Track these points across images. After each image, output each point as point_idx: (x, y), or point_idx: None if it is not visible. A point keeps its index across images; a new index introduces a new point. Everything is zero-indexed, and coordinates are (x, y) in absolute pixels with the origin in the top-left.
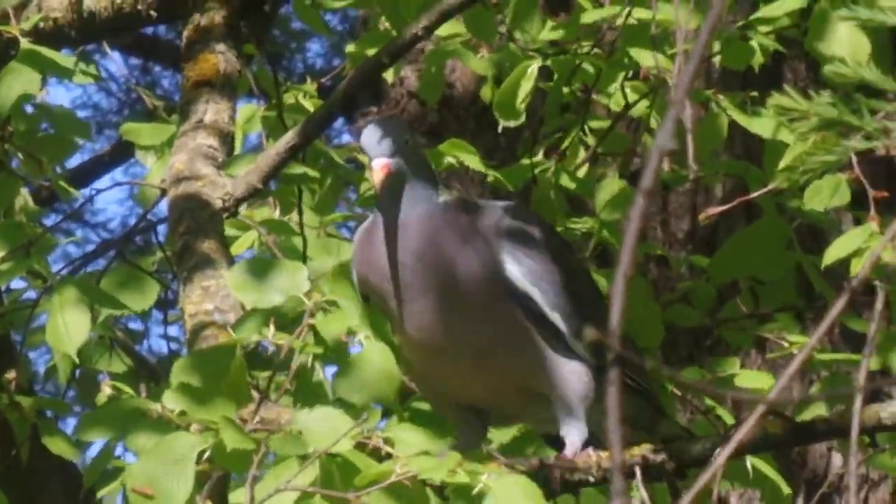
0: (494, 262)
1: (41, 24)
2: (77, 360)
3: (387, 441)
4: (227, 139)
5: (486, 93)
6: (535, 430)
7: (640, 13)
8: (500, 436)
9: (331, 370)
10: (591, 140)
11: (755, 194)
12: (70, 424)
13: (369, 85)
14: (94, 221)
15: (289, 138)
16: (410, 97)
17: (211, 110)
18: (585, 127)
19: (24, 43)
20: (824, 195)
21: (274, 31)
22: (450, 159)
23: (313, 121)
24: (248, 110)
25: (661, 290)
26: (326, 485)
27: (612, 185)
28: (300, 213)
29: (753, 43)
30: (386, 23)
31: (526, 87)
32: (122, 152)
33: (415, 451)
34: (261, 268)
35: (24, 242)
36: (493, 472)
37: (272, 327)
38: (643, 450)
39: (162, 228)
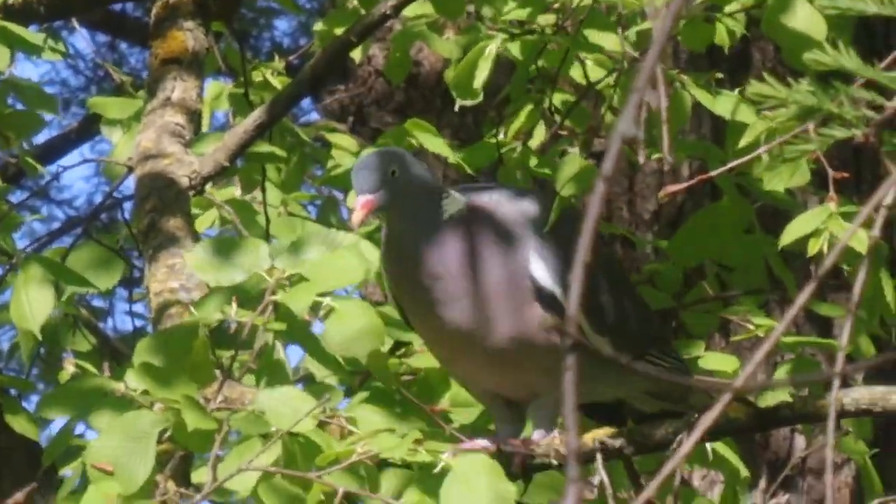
0: (520, 263)
1: (9, 1)
2: (40, 338)
3: (349, 420)
4: (194, 117)
5: (449, 74)
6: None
7: None
8: (463, 415)
9: (294, 352)
10: (554, 117)
11: (714, 173)
12: (34, 402)
13: (337, 64)
14: (60, 198)
15: (256, 116)
16: (378, 76)
17: (179, 88)
18: (550, 104)
19: None
20: (784, 175)
21: (241, 10)
22: (412, 140)
23: (281, 99)
24: (216, 88)
25: (627, 272)
26: (289, 464)
27: (573, 161)
28: (263, 192)
29: (718, 25)
30: (354, 1)
31: (484, 66)
32: (89, 129)
33: (377, 430)
34: (222, 246)
35: None
36: (455, 451)
37: (234, 305)
38: (603, 433)
39: (128, 206)
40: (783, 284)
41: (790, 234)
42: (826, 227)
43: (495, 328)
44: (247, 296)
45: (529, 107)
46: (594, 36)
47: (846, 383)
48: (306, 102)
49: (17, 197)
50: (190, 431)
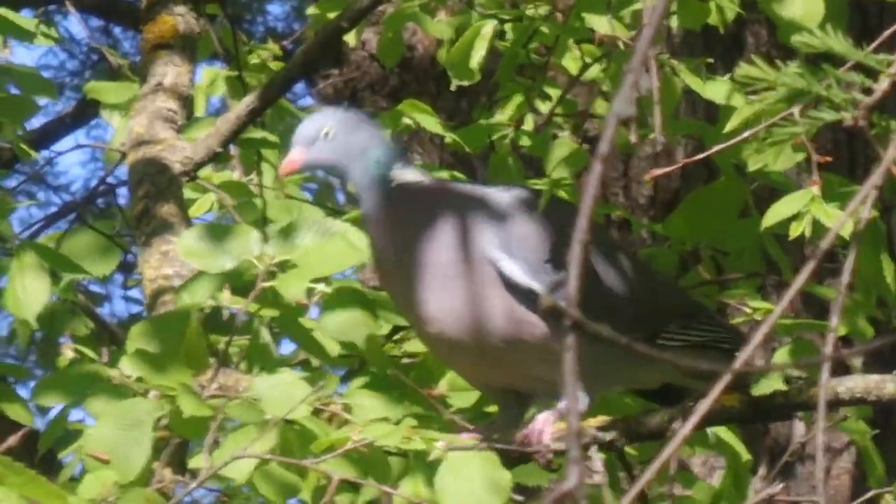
0: (486, 259)
1: None
2: (36, 326)
3: (345, 407)
4: (186, 102)
5: (442, 55)
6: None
7: None
8: (460, 400)
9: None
10: (544, 106)
11: (701, 155)
12: (31, 389)
13: (330, 48)
14: (55, 184)
15: (249, 101)
16: (372, 60)
17: (171, 73)
18: (541, 90)
19: None
20: (770, 158)
21: None
22: (407, 120)
23: (274, 84)
24: (211, 74)
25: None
26: (285, 451)
27: (563, 144)
28: (259, 176)
29: (711, 5)
30: None
31: (480, 46)
32: (84, 114)
33: (372, 418)
34: (212, 232)
35: None
36: (449, 439)
37: (227, 292)
38: (596, 422)
39: (123, 192)
40: (778, 267)
41: (772, 215)
42: (808, 210)
43: (459, 316)
44: (238, 282)
45: (518, 98)
46: (589, 19)
47: (845, 367)
48: (300, 87)
49: (12, 183)
50: (185, 419)
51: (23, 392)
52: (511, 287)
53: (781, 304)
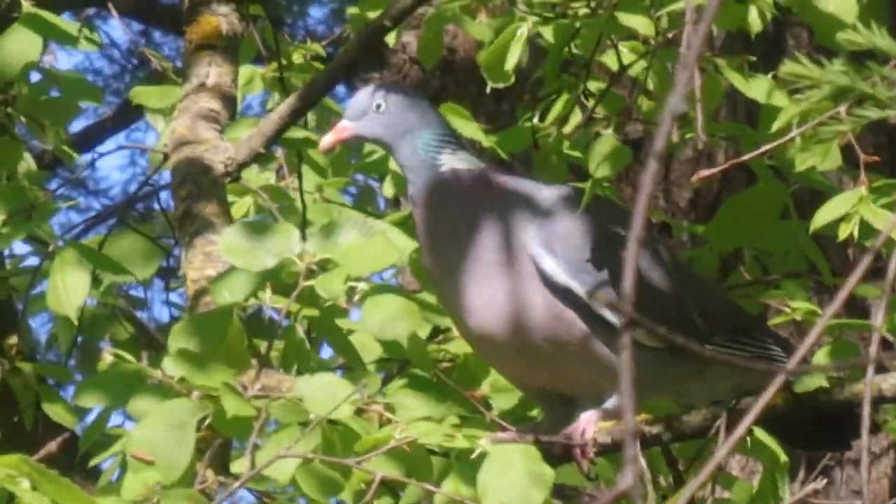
0: (527, 255)
1: None
2: (76, 322)
3: (387, 407)
4: (229, 102)
5: (480, 57)
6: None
7: None
8: (503, 401)
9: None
10: (588, 102)
11: (747, 156)
12: (72, 393)
13: (371, 49)
14: (95, 188)
15: (291, 102)
16: (412, 63)
17: (213, 73)
18: (585, 89)
19: (26, 6)
20: (816, 157)
21: None
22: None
23: (316, 84)
24: (248, 72)
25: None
26: (328, 451)
27: (605, 142)
28: (300, 178)
29: (750, 6)
30: None
31: (516, 49)
32: (125, 117)
33: (415, 417)
34: (253, 231)
35: (26, 206)
36: (493, 440)
37: (269, 291)
38: (641, 418)
39: (164, 195)
40: (818, 270)
41: (821, 217)
42: (857, 211)
43: (498, 309)
44: (278, 280)
45: (565, 96)
46: (626, 19)
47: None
48: (341, 91)
49: (53, 185)
50: (229, 418)
51: (63, 395)
52: (550, 285)
53: (834, 304)
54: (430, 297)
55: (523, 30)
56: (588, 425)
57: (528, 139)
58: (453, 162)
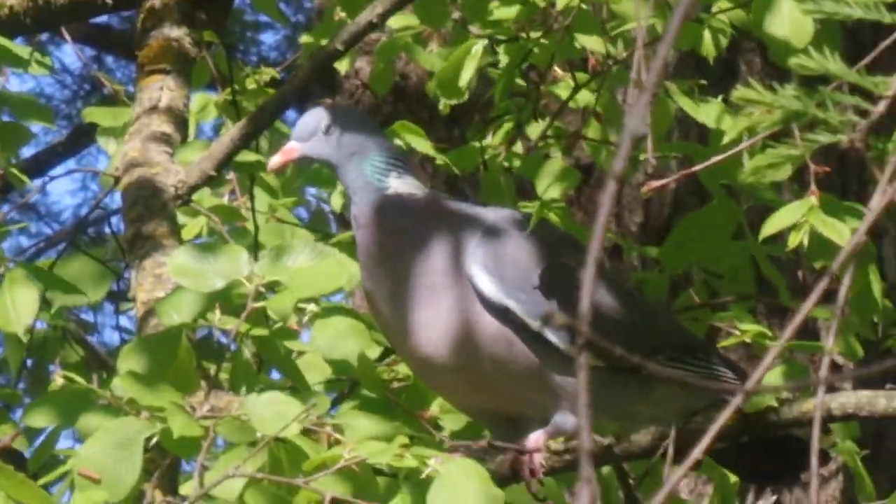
0: (466, 275)
1: None
2: (25, 340)
3: (336, 427)
4: (181, 125)
5: (431, 86)
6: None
7: None
8: (452, 423)
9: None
10: (535, 129)
11: (701, 165)
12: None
13: (323, 73)
14: (46, 213)
15: (242, 125)
16: (365, 88)
17: (165, 96)
18: (535, 111)
19: None
20: (762, 166)
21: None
22: (399, 142)
23: (267, 108)
24: (202, 99)
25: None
26: (275, 470)
27: (554, 164)
28: (251, 199)
29: (705, 31)
30: (341, 13)
31: (470, 65)
32: (76, 143)
33: (364, 437)
34: (202, 252)
35: None
36: (441, 457)
37: (218, 312)
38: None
39: (115, 220)
40: (770, 290)
41: (771, 226)
42: (806, 221)
43: (438, 329)
44: (227, 302)
45: (511, 121)
46: (581, 39)
47: (834, 389)
48: (293, 116)
49: (3, 210)
50: (177, 438)
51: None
52: (488, 304)
53: (791, 326)
54: None
55: (478, 47)
56: (536, 445)
57: (478, 158)
58: (399, 185)
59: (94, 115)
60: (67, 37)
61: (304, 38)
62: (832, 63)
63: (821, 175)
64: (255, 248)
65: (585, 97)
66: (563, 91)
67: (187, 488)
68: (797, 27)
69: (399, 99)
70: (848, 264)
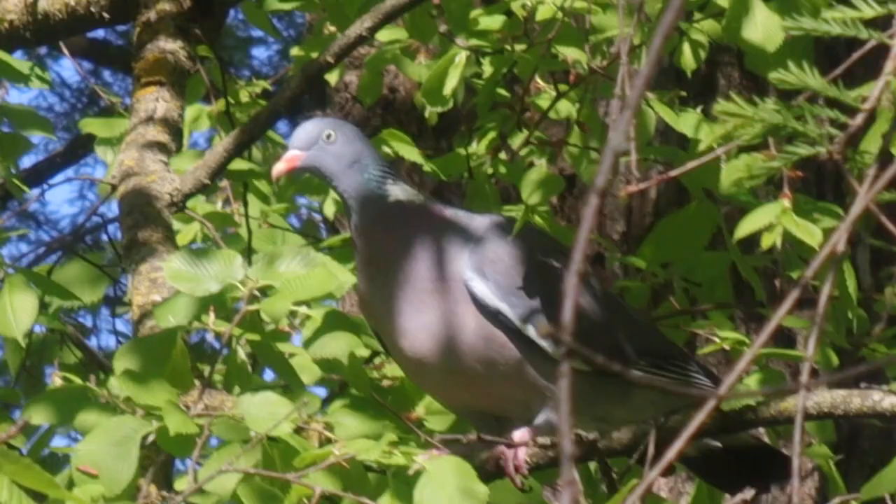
0: (460, 280)
1: None
2: (24, 344)
3: (327, 426)
4: (176, 134)
5: (419, 97)
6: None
7: (572, 1)
8: (437, 423)
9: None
10: (518, 139)
11: (679, 170)
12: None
13: (314, 85)
14: (46, 221)
15: (235, 135)
16: (354, 101)
17: (160, 107)
18: (519, 121)
19: None
20: (740, 177)
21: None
22: (387, 150)
23: (259, 119)
24: (195, 111)
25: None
26: (267, 467)
27: (537, 171)
28: (245, 206)
29: (684, 45)
30: (331, 27)
31: (454, 74)
32: (74, 154)
33: (353, 435)
34: (197, 257)
35: None
36: (429, 454)
37: (212, 315)
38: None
39: (112, 227)
40: (746, 298)
41: (745, 227)
42: (780, 223)
43: (432, 331)
44: (221, 306)
45: (494, 132)
46: (562, 50)
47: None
48: (285, 129)
49: (3, 217)
50: (172, 436)
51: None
52: (482, 307)
53: (763, 335)
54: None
55: (461, 56)
56: (521, 441)
57: (464, 166)
58: (398, 193)
59: (92, 125)
60: (66, 51)
61: (296, 51)
62: (811, 78)
63: (796, 181)
64: (248, 253)
65: (567, 108)
66: (544, 102)
67: (182, 484)
68: (769, 33)
69: (388, 111)
70: (827, 270)
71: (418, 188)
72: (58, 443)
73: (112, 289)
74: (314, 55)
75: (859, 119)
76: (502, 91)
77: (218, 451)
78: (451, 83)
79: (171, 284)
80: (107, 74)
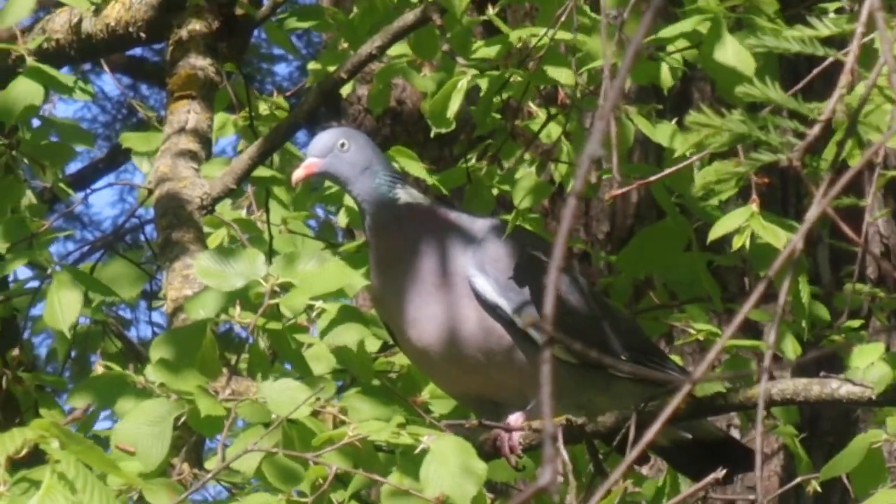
0: (464, 276)
1: (45, 45)
2: (69, 336)
3: (341, 410)
4: (206, 143)
5: (425, 107)
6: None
7: (561, 35)
8: (441, 406)
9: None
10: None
11: (655, 177)
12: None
13: (330, 98)
14: (89, 222)
15: (259, 144)
16: (366, 113)
17: (191, 118)
18: (513, 132)
19: (30, 61)
20: (710, 181)
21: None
22: (395, 164)
23: (280, 130)
24: (222, 119)
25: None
26: (287, 447)
27: (528, 178)
28: (267, 211)
29: (662, 64)
30: (345, 44)
31: (456, 98)
32: (114, 161)
33: (365, 418)
34: (224, 256)
35: (28, 236)
36: (433, 434)
37: (238, 308)
38: (557, 421)
39: (149, 228)
40: (726, 295)
41: (717, 230)
42: (748, 225)
43: (438, 322)
44: (246, 300)
45: (489, 144)
46: (551, 71)
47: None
48: (303, 137)
49: (51, 218)
50: (202, 418)
51: (59, 402)
52: (483, 302)
53: (731, 328)
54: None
55: (463, 82)
56: (516, 425)
57: (464, 179)
58: (407, 197)
59: (130, 140)
60: (106, 67)
61: (312, 65)
62: (773, 91)
63: (762, 186)
64: (269, 255)
65: (557, 131)
66: (536, 125)
67: (211, 462)
68: (742, 58)
69: (396, 122)
70: (786, 269)
71: (424, 192)
72: (99, 426)
73: (149, 284)
74: (330, 68)
75: (816, 129)
76: (495, 114)
77: (243, 434)
78: (454, 107)
79: (201, 280)
80: (143, 88)
